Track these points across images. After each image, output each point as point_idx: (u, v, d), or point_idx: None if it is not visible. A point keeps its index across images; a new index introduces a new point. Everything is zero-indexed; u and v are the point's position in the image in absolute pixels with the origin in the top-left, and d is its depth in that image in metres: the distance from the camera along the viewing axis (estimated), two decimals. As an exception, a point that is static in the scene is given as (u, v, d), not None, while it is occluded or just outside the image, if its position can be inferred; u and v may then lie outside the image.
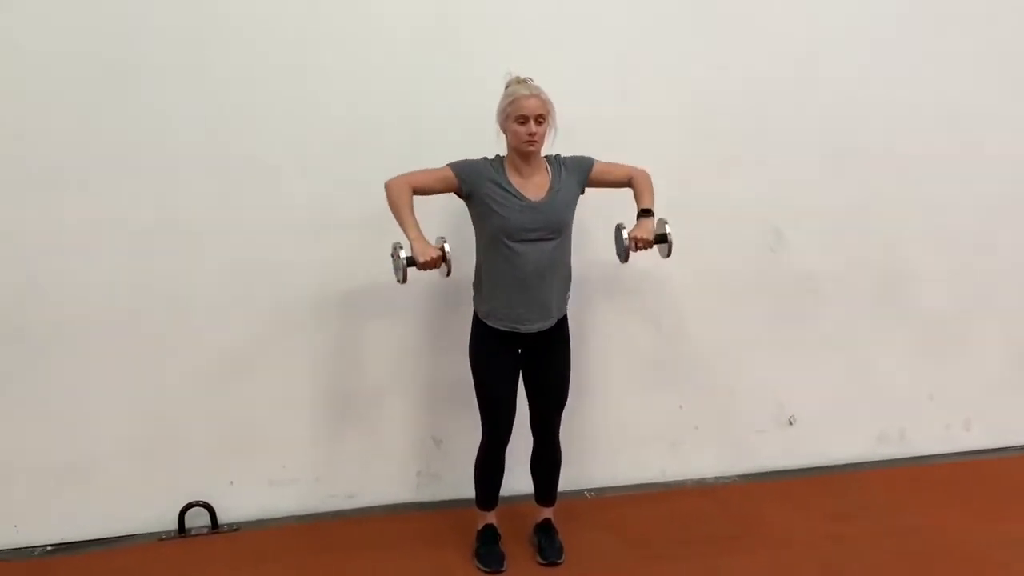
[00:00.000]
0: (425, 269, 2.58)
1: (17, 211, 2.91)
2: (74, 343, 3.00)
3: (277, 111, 3.06)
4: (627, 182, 2.83)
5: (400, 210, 2.64)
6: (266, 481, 3.24)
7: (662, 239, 2.76)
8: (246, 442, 3.20)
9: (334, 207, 3.14)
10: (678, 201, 3.31)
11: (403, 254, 2.59)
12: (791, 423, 3.70)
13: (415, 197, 2.66)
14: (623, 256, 2.77)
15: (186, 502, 3.12)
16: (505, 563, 2.86)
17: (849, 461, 3.75)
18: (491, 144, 2.74)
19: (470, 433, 3.29)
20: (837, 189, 3.57)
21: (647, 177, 2.84)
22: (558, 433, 2.88)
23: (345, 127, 3.11)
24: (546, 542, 2.92)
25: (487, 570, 2.83)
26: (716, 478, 3.61)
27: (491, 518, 2.95)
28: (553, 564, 2.86)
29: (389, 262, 2.67)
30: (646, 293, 3.47)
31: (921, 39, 3.58)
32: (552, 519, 2.99)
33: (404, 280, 2.63)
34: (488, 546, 2.89)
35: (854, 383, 3.74)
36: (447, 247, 2.60)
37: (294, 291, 3.16)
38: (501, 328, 2.70)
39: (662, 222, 2.78)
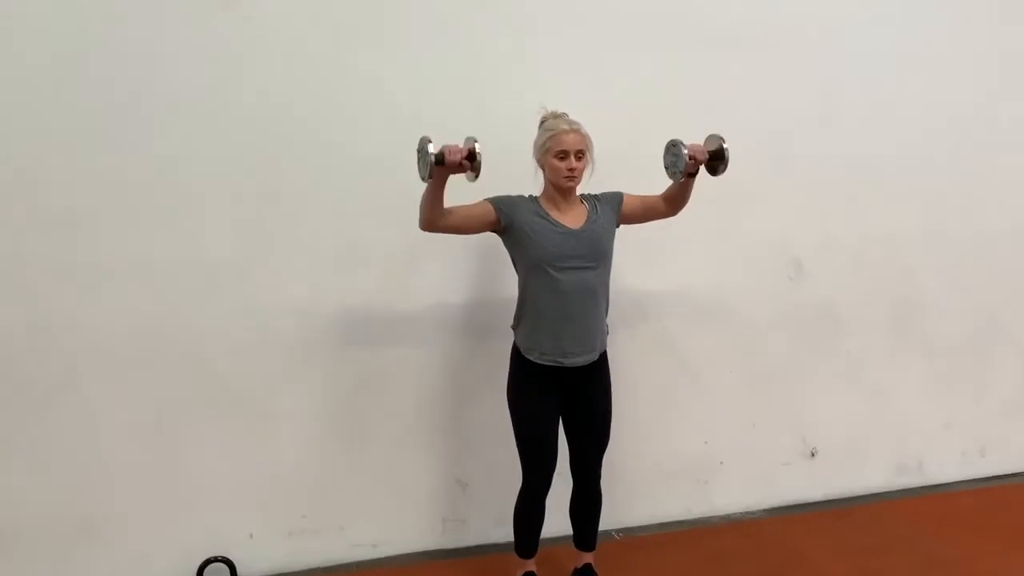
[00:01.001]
0: (451, 167, 2.40)
1: (27, 251, 2.74)
2: (84, 390, 2.83)
3: (296, 147, 2.95)
4: (661, 200, 2.77)
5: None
6: (286, 532, 3.08)
7: (719, 155, 2.67)
8: (265, 491, 3.05)
9: (355, 244, 3.04)
10: (700, 232, 3.33)
11: (431, 148, 2.40)
12: (813, 455, 3.67)
13: (449, 236, 2.61)
14: (679, 173, 2.63)
15: (204, 557, 2.95)
16: (549, 611, 2.76)
17: (870, 491, 3.75)
18: (517, 183, 2.69)
19: (496, 475, 3.24)
20: (855, 220, 3.60)
21: None
22: (600, 475, 2.80)
23: (365, 162, 3.02)
24: (588, 588, 2.83)
25: (532, 619, 2.73)
26: (743, 513, 3.56)
27: (531, 566, 2.84)
28: (599, 611, 2.77)
29: (408, 301, 2.63)
30: (668, 327, 3.42)
31: (937, 74, 3.65)
32: (593, 564, 2.90)
33: (428, 178, 2.44)
34: (530, 595, 2.79)
35: (873, 413, 3.74)
36: (478, 147, 2.43)
37: (313, 332, 3.04)
38: (545, 363, 2.62)
39: (718, 138, 2.68)
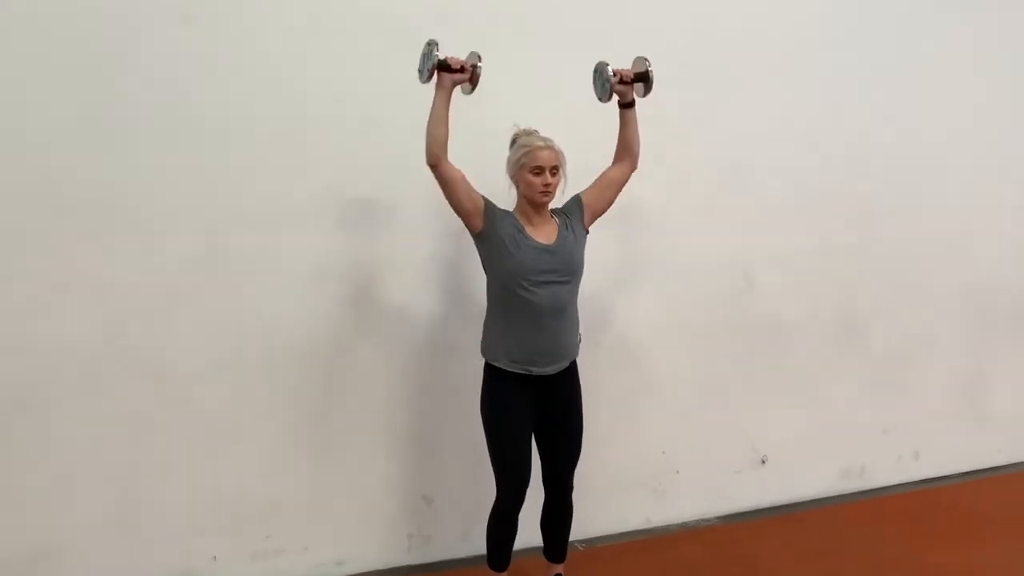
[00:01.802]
0: (454, 68, 2.53)
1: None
2: (40, 411, 2.71)
3: (260, 162, 2.91)
4: (613, 163, 2.81)
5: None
6: (250, 554, 3.01)
7: (644, 76, 2.76)
8: (229, 512, 2.97)
9: (320, 261, 3.01)
10: (656, 247, 3.43)
11: (437, 52, 2.51)
12: (763, 462, 3.80)
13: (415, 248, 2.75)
14: (606, 93, 2.73)
15: (167, 583, 2.87)
16: (523, 624, 2.78)
17: (816, 497, 3.89)
18: (486, 190, 2.69)
19: (462, 490, 3.26)
20: (801, 236, 3.75)
21: None
22: (572, 486, 2.84)
23: (330, 178, 3.00)
24: (561, 599, 2.86)
25: (507, 632, 2.74)
26: (698, 520, 3.65)
27: (504, 579, 2.86)
28: (572, 621, 2.80)
29: (373, 318, 2.84)
30: (627, 340, 3.49)
31: (881, 93, 3.86)
32: (563, 574, 2.93)
33: (428, 80, 2.55)
34: (505, 608, 2.80)
35: (818, 421, 3.89)
36: (480, 64, 2.58)
37: (278, 350, 2.99)
38: (516, 371, 2.64)
39: (644, 60, 2.77)
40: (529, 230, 2.66)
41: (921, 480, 4.10)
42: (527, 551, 3.02)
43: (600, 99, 2.76)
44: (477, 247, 2.71)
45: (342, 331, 3.06)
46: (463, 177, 2.58)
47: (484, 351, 2.74)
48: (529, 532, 2.90)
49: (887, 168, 3.89)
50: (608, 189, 2.79)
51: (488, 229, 2.62)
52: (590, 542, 3.42)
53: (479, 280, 2.97)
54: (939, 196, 4.03)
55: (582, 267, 2.72)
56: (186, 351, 2.87)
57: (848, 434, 3.95)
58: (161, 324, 2.82)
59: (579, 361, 2.81)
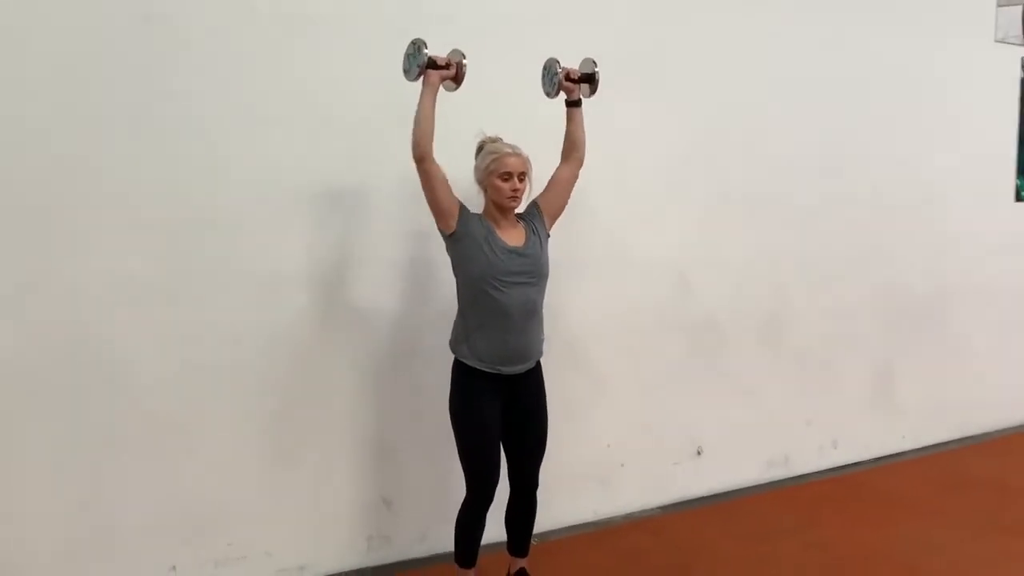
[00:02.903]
0: (440, 66, 2.63)
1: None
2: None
3: (225, 167, 2.89)
4: (562, 162, 2.92)
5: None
6: (212, 561, 2.98)
7: (590, 78, 2.93)
8: (188, 520, 2.93)
9: (280, 267, 3.01)
10: (601, 250, 3.58)
11: (427, 51, 2.60)
12: (699, 453, 4.00)
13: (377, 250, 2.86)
14: (554, 89, 2.89)
15: (127, 595, 2.81)
16: (492, 618, 2.86)
17: (746, 485, 4.12)
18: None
19: (420, 491, 3.33)
20: (734, 241, 3.97)
21: None
22: (538, 482, 2.93)
23: (295, 183, 3.00)
24: (525, 592, 2.95)
25: (478, 627, 2.81)
26: (641, 511, 3.82)
27: (471, 574, 2.93)
28: (539, 613, 2.90)
29: (334, 322, 2.92)
30: (573, 339, 3.61)
31: (808, 106, 4.14)
32: (526, 568, 3.02)
33: (416, 78, 2.64)
34: (474, 603, 2.87)
35: (747, 414, 4.12)
36: (465, 61, 2.69)
37: (237, 355, 2.96)
38: (486, 370, 2.72)
39: (591, 61, 2.94)
40: (499, 233, 2.74)
41: (839, 467, 4.40)
42: (490, 546, 3.09)
43: (547, 95, 2.92)
44: (448, 248, 2.77)
45: (302, 335, 3.07)
46: (446, 178, 2.65)
47: (454, 349, 2.80)
48: (491, 528, 2.97)
49: (811, 175, 4.16)
50: (560, 189, 2.90)
51: (462, 230, 2.69)
52: (542, 536, 3.51)
53: (441, 282, 3.05)
54: (854, 202, 4.34)
55: (548, 269, 2.83)
56: (145, 357, 2.81)
57: (774, 425, 4.20)
58: (120, 329, 2.76)
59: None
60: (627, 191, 3.65)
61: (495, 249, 2.70)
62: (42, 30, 2.60)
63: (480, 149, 2.81)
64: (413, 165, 2.63)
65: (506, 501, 2.95)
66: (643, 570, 3.26)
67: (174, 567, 2.92)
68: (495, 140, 2.80)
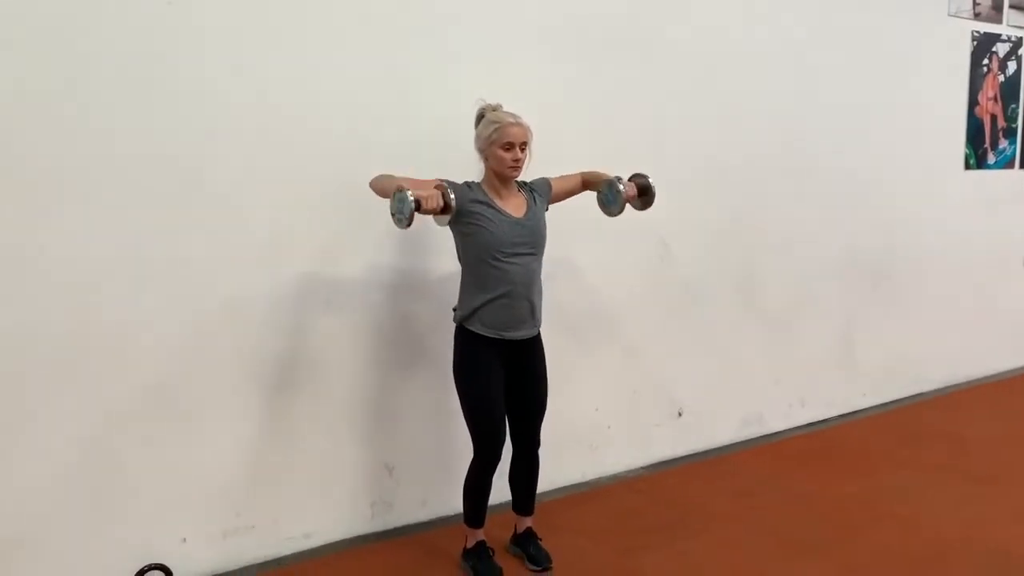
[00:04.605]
0: (429, 208, 2.62)
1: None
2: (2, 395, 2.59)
3: (223, 136, 2.87)
4: (581, 183, 3.10)
5: (392, 178, 2.72)
6: (221, 532, 3.00)
7: (646, 190, 3.10)
8: (197, 492, 2.94)
9: (281, 235, 3.02)
10: (584, 221, 3.64)
11: (411, 195, 2.57)
12: (680, 415, 4.14)
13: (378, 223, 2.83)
14: (618, 206, 3.02)
15: (139, 567, 2.80)
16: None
17: (724, 443, 4.29)
18: (445, 168, 2.87)
19: (421, 457, 3.39)
20: (711, 208, 4.11)
21: (593, 170, 3.13)
22: (539, 441, 3.02)
23: (292, 152, 3.00)
24: (534, 549, 3.05)
25: (490, 584, 2.90)
26: (627, 471, 3.95)
27: (481, 535, 3.01)
28: (546, 570, 3.00)
29: (335, 291, 2.98)
30: (561, 306, 3.69)
31: (777, 76, 4.28)
32: (533, 527, 3.12)
33: (408, 224, 2.61)
34: (486, 562, 2.96)
35: (723, 375, 4.28)
36: (450, 192, 2.68)
37: (241, 325, 2.97)
38: (489, 335, 2.79)
39: (644, 175, 3.09)
40: (499, 203, 2.80)
41: (807, 424, 4.61)
42: (492, 507, 3.17)
43: (610, 215, 3.06)
44: (450, 227, 2.82)
45: (304, 303, 3.08)
46: (410, 183, 2.68)
47: (458, 317, 2.86)
48: (493, 489, 3.05)
49: (775, 143, 4.31)
50: (568, 194, 3.08)
51: (459, 208, 2.73)
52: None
53: (441, 249, 3.10)
54: (815, 170, 4.51)
55: (545, 239, 2.90)
56: (148, 330, 2.80)
57: (748, 386, 4.37)
58: (124, 301, 2.75)
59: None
60: (608, 159, 3.71)
61: (498, 221, 2.75)
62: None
63: (480, 117, 2.84)
64: (421, 135, 2.69)
65: (509, 462, 3.04)
66: (639, 526, 3.38)
67: (184, 539, 2.93)
68: (496, 108, 2.84)
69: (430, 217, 2.71)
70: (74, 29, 2.60)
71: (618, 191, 2.97)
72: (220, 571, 2.99)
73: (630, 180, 3.06)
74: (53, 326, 2.65)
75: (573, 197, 3.11)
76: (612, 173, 3.06)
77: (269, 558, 3.08)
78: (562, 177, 3.05)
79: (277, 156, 2.98)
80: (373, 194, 2.83)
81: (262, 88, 2.93)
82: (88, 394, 2.72)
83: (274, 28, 2.94)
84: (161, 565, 2.84)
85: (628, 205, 3.04)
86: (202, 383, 2.92)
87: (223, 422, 2.97)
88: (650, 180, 3.07)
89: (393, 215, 2.65)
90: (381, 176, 2.77)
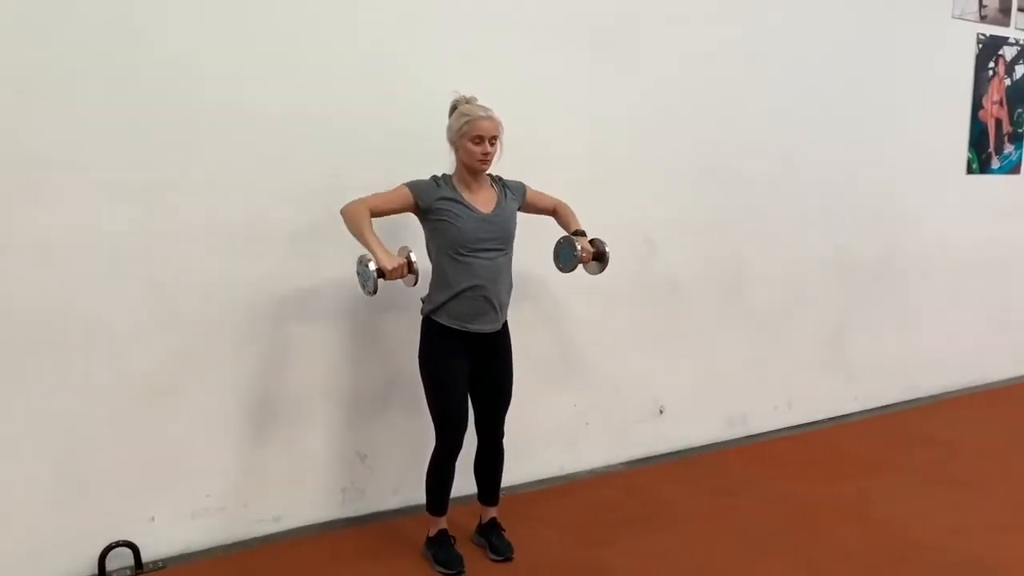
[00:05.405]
0: (393, 278, 2.69)
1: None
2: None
3: (200, 122, 2.91)
4: (552, 210, 3.14)
5: (362, 229, 2.72)
6: (190, 512, 3.05)
7: (601, 256, 3.08)
8: (167, 472, 3.00)
9: (256, 221, 3.05)
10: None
11: (372, 266, 2.65)
12: (661, 412, 4.14)
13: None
14: (571, 266, 3.02)
15: (106, 543, 2.86)
16: (464, 564, 2.96)
17: (706, 443, 4.27)
18: (419, 158, 2.93)
19: (394, 445, 3.42)
20: (698, 205, 4.09)
21: (569, 207, 3.17)
22: (503, 432, 3.05)
23: (269, 139, 3.04)
24: (497, 540, 3.07)
25: (451, 572, 2.92)
26: (605, 467, 3.95)
27: (443, 523, 3.04)
28: (508, 560, 3.02)
29: (312, 279, 2.98)
30: (541, 302, 3.71)
31: (766, 73, 4.24)
32: (497, 517, 3.14)
33: (374, 292, 2.70)
34: (447, 550, 2.98)
35: (707, 374, 4.27)
36: (412, 255, 2.73)
37: (215, 310, 3.02)
38: (455, 327, 2.82)
39: (602, 242, 3.08)
40: (468, 196, 2.82)
41: (794, 426, 4.58)
42: (460, 498, 3.20)
43: (561, 270, 3.09)
44: (422, 223, 2.86)
45: (279, 292, 3.12)
46: (382, 207, 2.78)
47: (425, 308, 2.89)
48: (461, 480, 3.08)
49: (768, 142, 4.28)
50: (541, 207, 3.12)
51: (426, 207, 2.78)
52: (510, 490, 3.63)
53: (415, 242, 3.10)
54: (809, 170, 4.47)
55: (514, 235, 2.92)
56: (121, 314, 2.85)
57: (732, 385, 4.35)
58: (98, 284, 2.80)
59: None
60: (593, 155, 3.74)
61: (465, 217, 2.77)
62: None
63: (453, 109, 2.87)
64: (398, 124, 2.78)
65: (474, 454, 3.07)
66: (609, 520, 3.39)
67: (153, 518, 2.99)
68: (469, 101, 2.86)
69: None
70: (50, 16, 2.65)
71: (575, 252, 3.00)
72: (188, 551, 3.04)
73: (590, 242, 3.07)
74: (28, 311, 2.71)
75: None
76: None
77: (237, 539, 3.13)
78: (540, 193, 3.09)
79: (252, 144, 3.01)
80: (352, 179, 2.84)
81: (240, 78, 2.96)
82: (60, 374, 2.78)
83: (254, 19, 2.97)
84: (128, 542, 2.89)
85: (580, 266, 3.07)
86: (172, 367, 2.97)
87: (195, 405, 3.02)
88: (607, 248, 3.08)
89: (362, 288, 2.74)
90: (351, 206, 2.75)
